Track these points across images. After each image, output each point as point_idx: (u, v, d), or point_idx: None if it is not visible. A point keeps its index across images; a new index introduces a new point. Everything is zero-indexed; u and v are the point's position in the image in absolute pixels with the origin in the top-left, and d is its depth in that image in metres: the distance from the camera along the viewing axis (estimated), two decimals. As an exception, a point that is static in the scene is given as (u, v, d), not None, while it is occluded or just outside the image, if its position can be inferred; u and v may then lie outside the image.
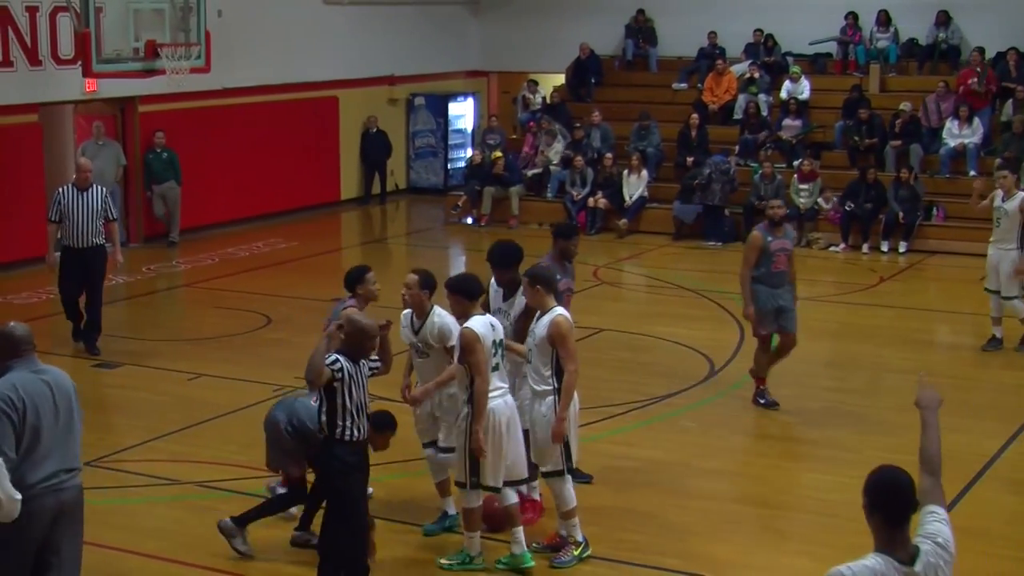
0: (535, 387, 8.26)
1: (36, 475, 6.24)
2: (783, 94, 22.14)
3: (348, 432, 7.33)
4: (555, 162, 22.14)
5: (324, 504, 7.75)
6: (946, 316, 16.00)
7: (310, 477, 8.45)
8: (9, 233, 17.07)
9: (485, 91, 26.75)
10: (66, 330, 13.71)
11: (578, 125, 22.53)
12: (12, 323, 6.59)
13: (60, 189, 13.37)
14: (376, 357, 7.59)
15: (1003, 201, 13.33)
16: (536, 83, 24.56)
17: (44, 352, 11.94)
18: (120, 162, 19.00)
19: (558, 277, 9.26)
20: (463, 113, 25.48)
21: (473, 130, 25.50)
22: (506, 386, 8.16)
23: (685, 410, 11.71)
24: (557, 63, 24.69)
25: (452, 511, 8.68)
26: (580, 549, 8.34)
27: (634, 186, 20.95)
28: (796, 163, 20.72)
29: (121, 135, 19.51)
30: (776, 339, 11.55)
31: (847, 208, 19.52)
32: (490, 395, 7.87)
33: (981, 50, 21.13)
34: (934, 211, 19.64)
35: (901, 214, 19.17)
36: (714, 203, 20.26)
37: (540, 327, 8.13)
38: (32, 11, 17.37)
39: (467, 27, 26.07)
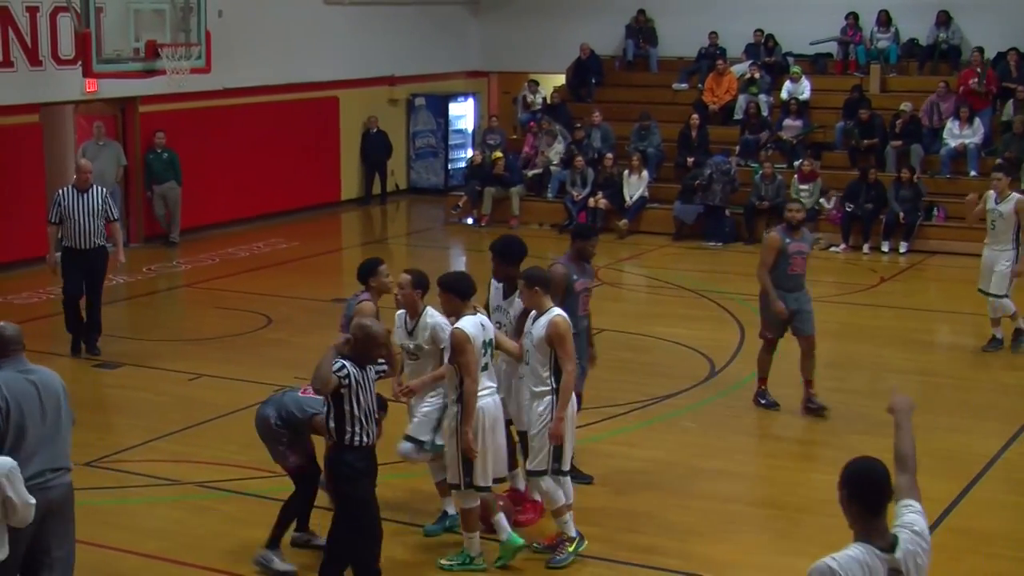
0: (532, 388, 8.27)
1: (22, 473, 6.25)
2: (784, 94, 22.14)
3: (357, 438, 7.31)
4: (555, 162, 22.14)
5: (333, 507, 7.73)
6: (946, 316, 16.00)
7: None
8: (9, 233, 17.07)
9: (485, 91, 26.75)
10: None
11: (578, 125, 22.52)
12: (2, 323, 6.62)
13: (60, 191, 13.32)
14: (382, 360, 7.59)
15: (996, 203, 13.34)
16: (536, 83, 24.56)
17: (44, 352, 12.03)
18: (120, 162, 19.00)
19: (575, 277, 9.30)
20: (463, 113, 25.49)
21: (473, 130, 25.50)
22: (494, 385, 8.19)
23: (686, 410, 11.71)
24: (557, 63, 24.69)
25: (452, 511, 8.68)
26: (575, 544, 8.33)
27: (634, 186, 20.95)
28: (796, 163, 20.72)
29: (121, 135, 19.52)
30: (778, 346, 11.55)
31: (847, 208, 19.52)
32: (479, 394, 7.89)
33: (981, 50, 21.14)
34: (935, 211, 19.64)
35: (902, 214, 19.17)
36: (715, 203, 20.26)
37: (538, 328, 8.13)
38: (32, 11, 17.37)
39: (467, 27, 26.07)
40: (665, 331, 14.42)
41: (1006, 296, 13.42)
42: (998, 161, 17.28)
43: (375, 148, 23.59)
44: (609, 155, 21.42)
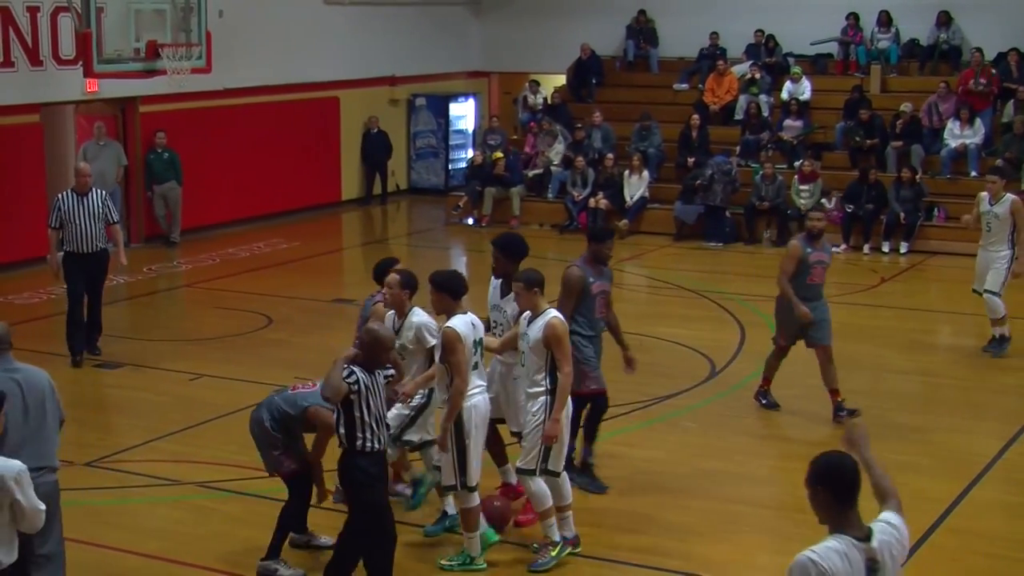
0: (527, 389, 8.27)
1: None
2: (784, 95, 22.14)
3: (368, 444, 7.31)
4: (556, 163, 22.14)
5: (347, 512, 7.74)
6: (947, 317, 16.00)
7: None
8: (10, 233, 17.08)
9: (486, 92, 26.76)
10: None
11: (579, 126, 22.53)
12: None
13: (60, 195, 13.17)
14: (390, 365, 7.59)
15: (991, 205, 13.33)
16: (537, 83, 24.56)
17: (44, 352, 12.02)
18: (121, 162, 19.01)
19: (591, 280, 9.28)
20: (464, 114, 25.49)
21: (474, 131, 25.51)
22: (484, 384, 8.21)
23: (686, 411, 11.72)
24: (558, 64, 24.69)
25: (452, 511, 8.68)
26: (557, 550, 8.29)
27: (635, 187, 20.96)
28: (797, 164, 20.71)
29: (122, 135, 19.52)
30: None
31: (848, 209, 19.52)
32: (469, 393, 7.91)
33: (981, 51, 21.14)
34: (935, 212, 19.64)
35: (902, 215, 19.18)
36: (715, 204, 20.26)
37: (534, 330, 8.12)
38: (33, 11, 17.37)
39: (468, 27, 26.08)
40: (666, 331, 14.42)
41: (998, 295, 13.41)
42: (997, 162, 17.30)
43: (376, 148, 23.59)
44: (610, 155, 21.42)
